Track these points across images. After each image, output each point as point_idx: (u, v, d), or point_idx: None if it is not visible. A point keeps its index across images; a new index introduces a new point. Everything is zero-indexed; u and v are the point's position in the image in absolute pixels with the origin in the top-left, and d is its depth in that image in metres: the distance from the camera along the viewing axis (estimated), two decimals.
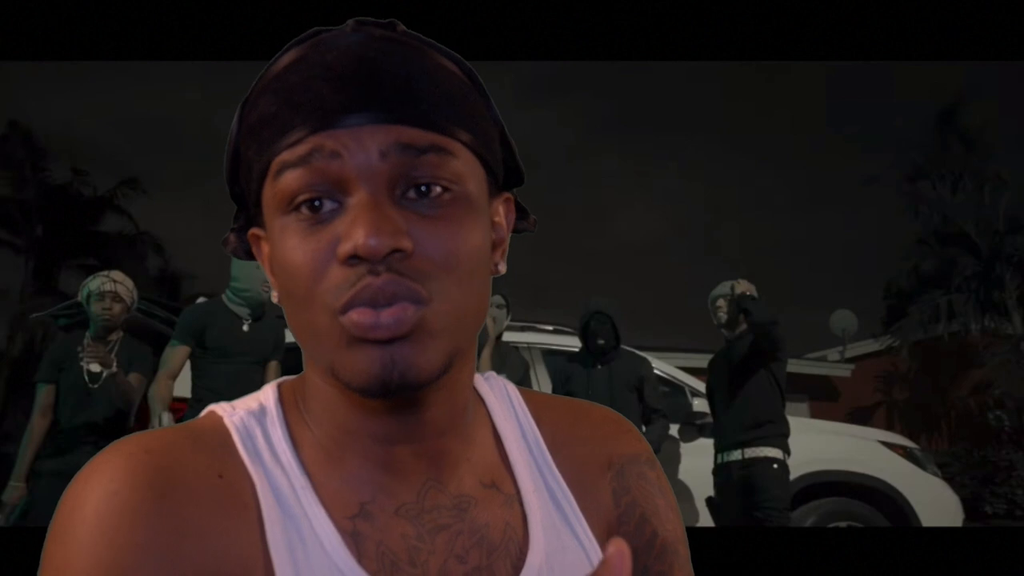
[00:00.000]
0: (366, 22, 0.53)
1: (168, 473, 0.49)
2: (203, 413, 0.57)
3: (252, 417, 0.56)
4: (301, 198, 0.49)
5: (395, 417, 0.54)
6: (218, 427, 0.55)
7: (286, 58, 0.52)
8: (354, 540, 0.52)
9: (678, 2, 4.38)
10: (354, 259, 0.48)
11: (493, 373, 0.67)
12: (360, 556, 0.51)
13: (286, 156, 0.50)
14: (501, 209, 0.59)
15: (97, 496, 0.47)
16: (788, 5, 4.36)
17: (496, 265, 0.58)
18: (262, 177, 0.52)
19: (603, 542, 0.60)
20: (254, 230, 0.57)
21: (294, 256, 0.50)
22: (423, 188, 0.50)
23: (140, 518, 0.47)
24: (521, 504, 0.58)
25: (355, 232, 0.47)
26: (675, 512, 0.66)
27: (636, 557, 0.61)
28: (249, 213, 0.57)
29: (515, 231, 0.62)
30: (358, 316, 0.48)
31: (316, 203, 0.49)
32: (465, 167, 0.52)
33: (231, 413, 0.56)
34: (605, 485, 0.63)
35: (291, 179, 0.49)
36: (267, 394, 0.58)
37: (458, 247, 0.50)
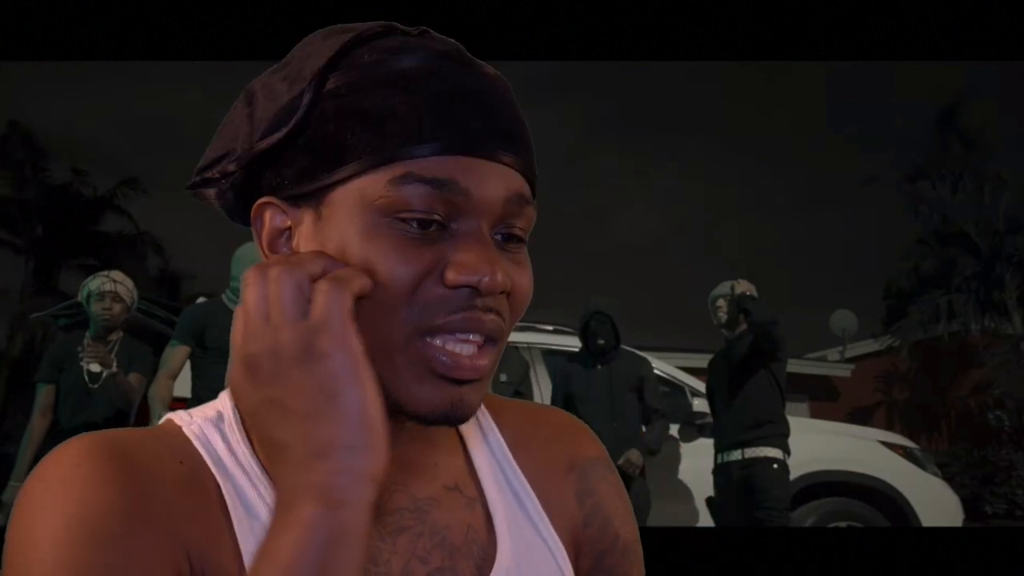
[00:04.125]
0: (456, 49, 0.55)
1: (130, 456, 0.49)
2: (160, 422, 0.56)
3: (210, 424, 0.55)
4: (419, 212, 0.49)
5: None
6: (177, 433, 0.54)
7: (405, 59, 0.51)
8: None
9: (678, 2, 4.38)
10: (464, 289, 0.49)
11: None
12: None
13: (418, 168, 0.49)
14: None
15: (61, 470, 0.47)
16: (788, 5, 4.36)
17: None
18: (367, 169, 0.49)
19: (567, 543, 0.61)
20: (271, 199, 0.54)
21: (395, 265, 0.49)
22: (512, 235, 0.53)
23: (107, 481, 0.47)
24: (484, 506, 0.59)
25: (477, 264, 0.49)
26: (631, 514, 0.68)
27: (602, 558, 0.63)
28: (273, 182, 0.53)
29: None
30: (442, 352, 0.49)
31: (433, 218, 0.50)
32: (532, 219, 0.55)
33: (189, 423, 0.55)
34: (568, 487, 0.64)
35: (416, 193, 0.49)
36: (224, 402, 0.57)
37: (527, 292, 0.54)
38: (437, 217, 0.49)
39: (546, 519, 0.61)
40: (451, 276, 0.49)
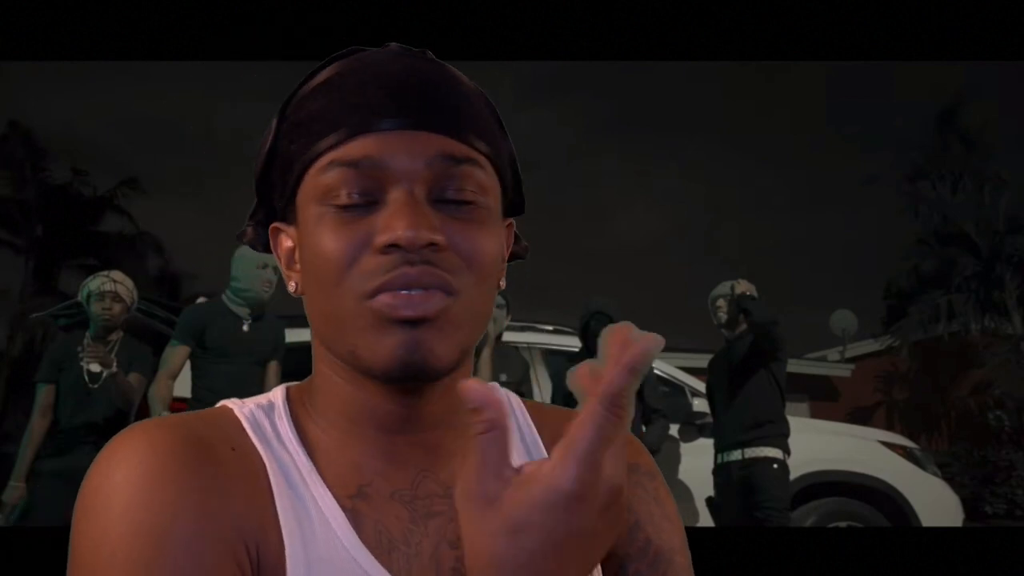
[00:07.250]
0: (407, 48, 0.60)
1: (186, 442, 0.53)
2: (216, 407, 0.61)
3: (261, 410, 0.60)
4: (343, 192, 0.54)
5: (398, 407, 0.58)
6: (228, 416, 0.59)
7: (336, 67, 0.58)
8: (353, 517, 0.56)
9: (678, 2, 4.38)
10: (390, 248, 0.52)
11: (496, 384, 0.69)
12: (359, 533, 0.55)
13: (337, 154, 0.54)
14: (503, 232, 0.64)
15: (122, 468, 0.51)
16: (788, 5, 4.37)
17: (499, 279, 0.63)
18: (305, 169, 0.56)
19: None
20: (277, 224, 0.61)
21: (328, 243, 0.54)
22: (456, 195, 0.55)
23: (168, 480, 0.50)
24: None
25: (395, 224, 0.52)
26: (672, 522, 0.67)
27: (628, 563, 0.63)
28: (275, 208, 0.61)
29: (509, 257, 0.67)
30: (389, 298, 0.52)
31: (356, 196, 0.54)
32: (489, 182, 0.58)
33: (241, 406, 0.60)
34: None
35: (338, 175, 0.54)
36: (275, 393, 0.63)
37: (482, 248, 0.55)
38: (366, 193, 0.54)
39: None
40: (377, 239, 0.52)
